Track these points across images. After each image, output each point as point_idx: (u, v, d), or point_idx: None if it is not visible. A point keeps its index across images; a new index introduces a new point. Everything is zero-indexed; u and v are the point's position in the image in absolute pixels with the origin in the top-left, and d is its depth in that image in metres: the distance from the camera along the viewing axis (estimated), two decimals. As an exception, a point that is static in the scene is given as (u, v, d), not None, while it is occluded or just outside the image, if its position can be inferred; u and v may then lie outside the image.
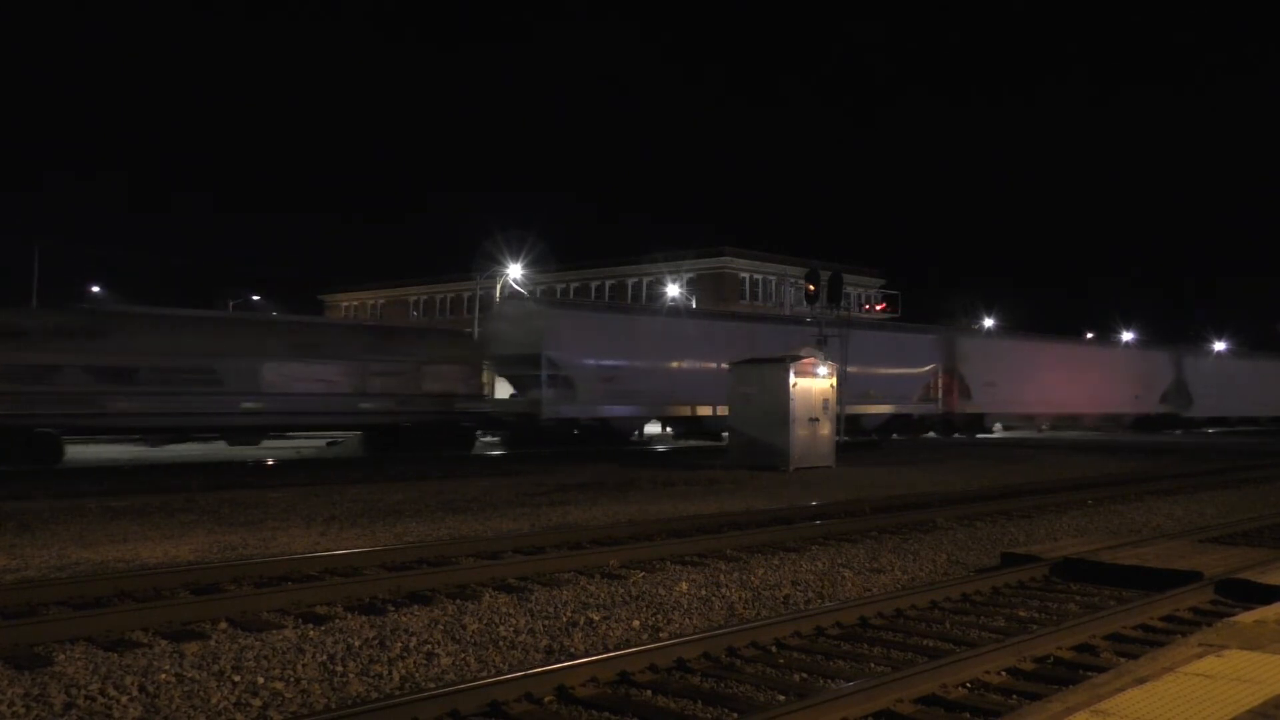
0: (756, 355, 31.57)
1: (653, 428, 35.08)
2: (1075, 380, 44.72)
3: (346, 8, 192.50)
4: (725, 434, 34.83)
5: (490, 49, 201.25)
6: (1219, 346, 60.25)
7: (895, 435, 37.04)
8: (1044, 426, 46.74)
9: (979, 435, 40.35)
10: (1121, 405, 48.66)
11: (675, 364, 31.47)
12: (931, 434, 39.42)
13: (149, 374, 23.04)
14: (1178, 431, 49.55)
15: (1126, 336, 61.33)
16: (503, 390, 31.47)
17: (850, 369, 33.23)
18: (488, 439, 31.16)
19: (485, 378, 30.04)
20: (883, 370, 35.91)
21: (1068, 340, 52.53)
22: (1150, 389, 50.09)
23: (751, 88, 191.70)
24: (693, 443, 32.80)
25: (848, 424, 35.95)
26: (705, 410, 31.81)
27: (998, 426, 44.84)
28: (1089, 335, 61.12)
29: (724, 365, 31.48)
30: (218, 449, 26.85)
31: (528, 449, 28.42)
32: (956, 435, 39.47)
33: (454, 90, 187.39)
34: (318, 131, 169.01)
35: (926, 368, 38.36)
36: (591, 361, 29.51)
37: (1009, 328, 59.39)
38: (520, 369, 29.27)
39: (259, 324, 26.69)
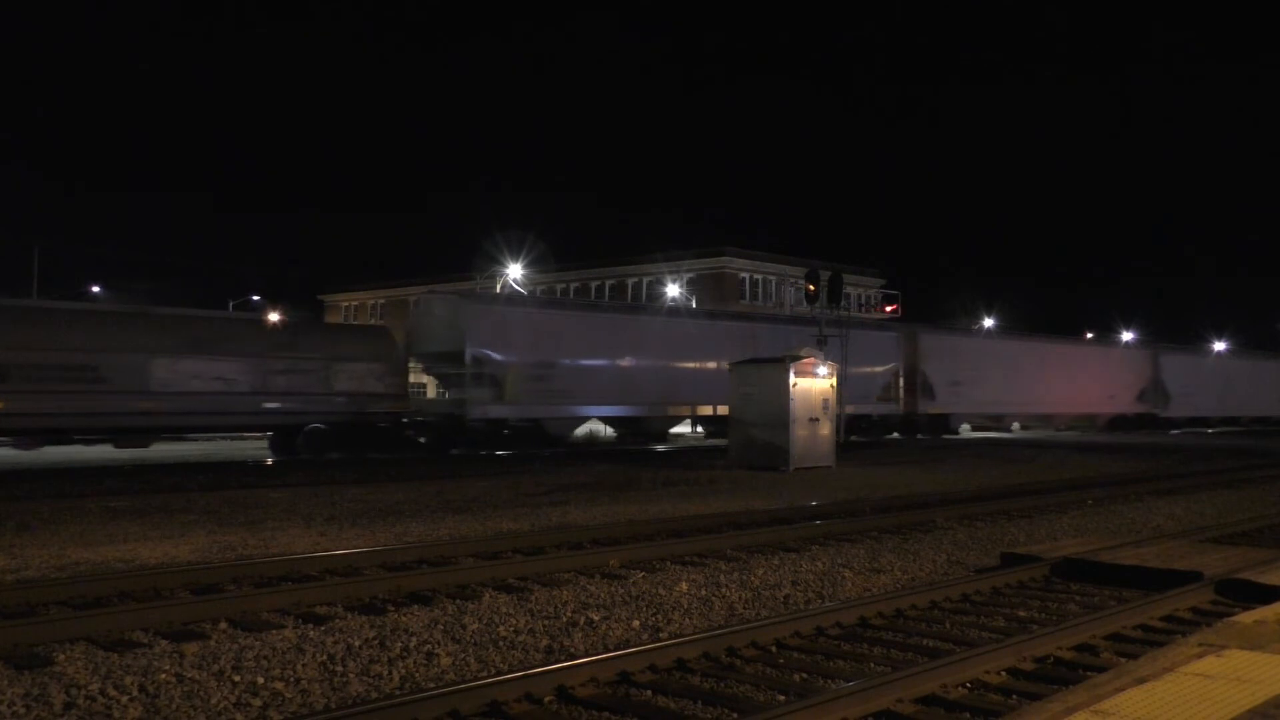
0: (713, 354, 30.45)
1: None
2: (1047, 379, 43.59)
3: (346, 6, 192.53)
4: (671, 433, 34.18)
5: (490, 49, 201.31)
6: (1219, 346, 59.89)
7: (854, 438, 35.25)
8: (1014, 427, 45.50)
9: (945, 436, 38.93)
10: (1096, 405, 47.50)
11: (618, 362, 30.34)
12: (896, 435, 38.23)
13: (19, 372, 21.78)
14: (1171, 431, 48.63)
15: (1126, 336, 60.80)
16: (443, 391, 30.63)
17: None
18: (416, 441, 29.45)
19: (422, 377, 29.01)
20: (852, 370, 34.27)
21: (1039, 338, 50.77)
22: (1126, 388, 48.94)
23: (752, 87, 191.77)
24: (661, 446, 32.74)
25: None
26: (653, 411, 31.12)
27: (965, 427, 43.58)
28: (1089, 335, 60.72)
29: (671, 364, 30.92)
30: (219, 449, 26.84)
31: (453, 451, 27.35)
32: (920, 437, 38.09)
33: (455, 90, 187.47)
34: (318, 131, 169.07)
35: (885, 366, 36.82)
36: (522, 359, 28.20)
37: (974, 324, 58.17)
38: (446, 367, 28.28)
39: (149, 318, 24.75)
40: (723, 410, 32.22)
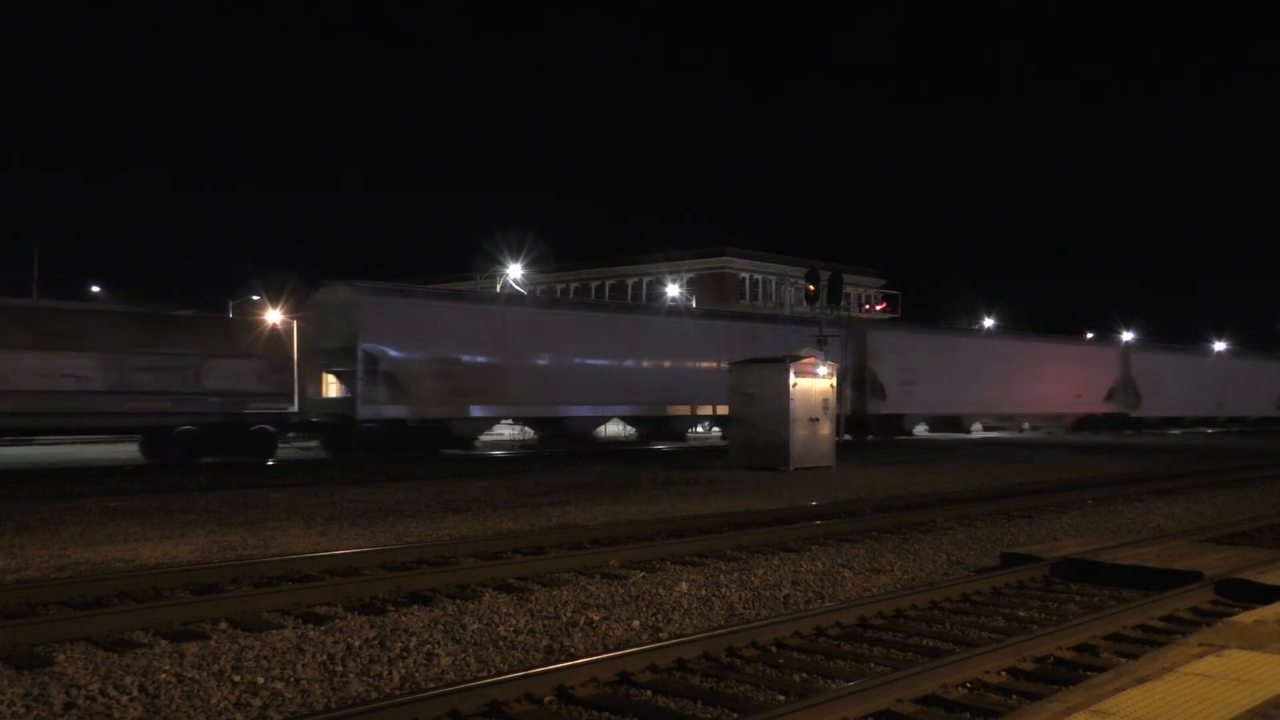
0: (642, 352, 29.95)
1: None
2: (1008, 378, 41.84)
3: (347, 7, 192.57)
4: (598, 433, 32.79)
5: (490, 50, 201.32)
6: (1220, 346, 59.66)
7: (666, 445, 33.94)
8: (974, 429, 43.68)
9: (898, 438, 37.17)
10: (1061, 404, 45.58)
11: (535, 360, 28.86)
12: (847, 437, 35.82)
13: None
14: (1127, 432, 47.10)
15: (1127, 336, 60.41)
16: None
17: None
18: (307, 445, 27.39)
19: (319, 375, 27.02)
20: None
21: (999, 335, 49.44)
22: (1093, 387, 47.01)
23: (752, 88, 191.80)
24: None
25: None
26: (575, 411, 29.65)
27: (921, 429, 41.95)
28: (1089, 334, 60.49)
29: (590, 362, 29.56)
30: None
31: (348, 454, 25.45)
32: (870, 438, 36.45)
33: (455, 90, 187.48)
34: (318, 131, 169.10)
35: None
36: (423, 355, 26.48)
37: (930, 321, 57.03)
38: (341, 364, 26.27)
39: None
40: (671, 411, 31.62)
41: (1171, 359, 52.82)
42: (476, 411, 27.72)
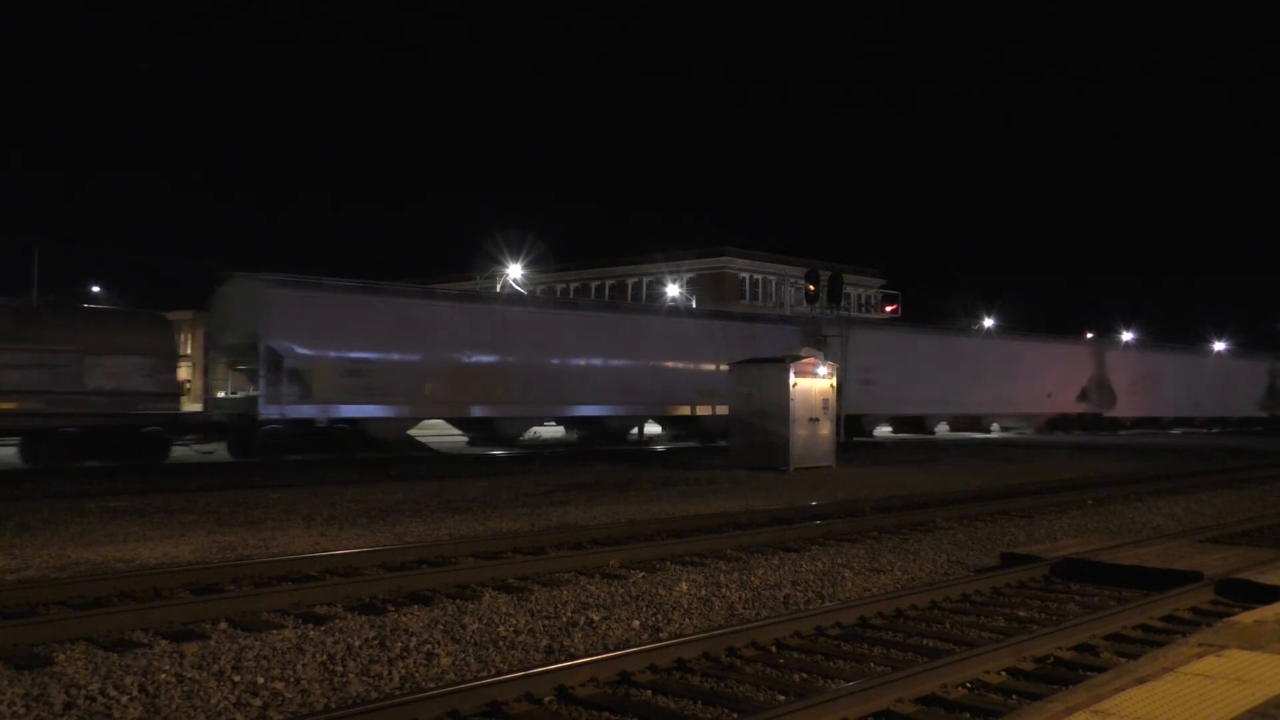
0: (583, 350, 28.79)
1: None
2: (975, 377, 39.67)
3: (347, 7, 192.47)
4: (530, 435, 30.96)
5: (490, 49, 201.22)
6: (1219, 346, 59.40)
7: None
8: (939, 429, 41.74)
9: (856, 439, 34.99)
10: (1032, 404, 43.83)
11: (458, 358, 27.22)
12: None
13: None
14: (1102, 433, 45.36)
15: (1126, 336, 60.26)
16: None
17: (677, 364, 30.66)
18: (206, 449, 25.01)
19: (221, 372, 25.68)
20: (724, 365, 31.23)
21: (964, 332, 47.18)
22: (1065, 386, 44.99)
23: (752, 88, 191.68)
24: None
25: (682, 427, 32.26)
26: (499, 411, 28.15)
27: (884, 430, 40.13)
28: (1089, 334, 60.30)
29: (518, 360, 27.73)
30: (216, 448, 26.35)
31: (252, 457, 23.87)
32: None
33: (455, 90, 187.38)
34: (318, 131, 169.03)
35: None
36: (333, 353, 24.74)
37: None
38: (244, 361, 24.56)
39: None
40: (608, 413, 29.88)
41: (1149, 358, 51.36)
42: (392, 412, 25.93)
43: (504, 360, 28.05)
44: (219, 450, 24.72)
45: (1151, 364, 50.27)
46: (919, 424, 40.21)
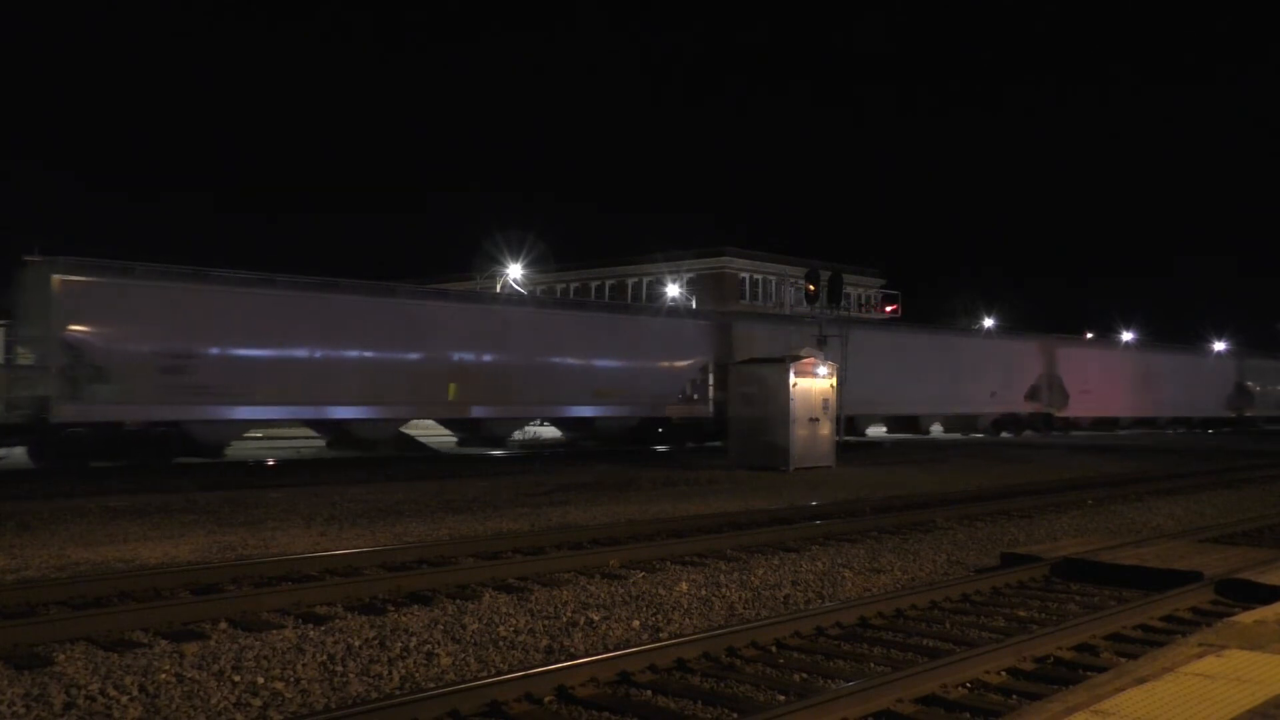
0: (450, 344, 26.07)
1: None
2: (909, 375, 36.54)
3: (346, 6, 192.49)
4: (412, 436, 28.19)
5: (490, 49, 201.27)
6: (1219, 346, 59.07)
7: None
8: (870, 431, 38.61)
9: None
10: (974, 404, 40.53)
11: (297, 353, 24.07)
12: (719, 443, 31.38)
13: None
14: (1054, 434, 43.28)
15: (1126, 336, 59.84)
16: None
17: (568, 360, 28.05)
18: None
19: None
20: (623, 363, 29.05)
21: (896, 327, 44.00)
22: (1012, 384, 41.84)
23: (752, 88, 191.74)
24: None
25: (578, 427, 30.04)
26: (354, 413, 25.03)
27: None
28: (1089, 334, 60.05)
29: (373, 355, 24.84)
30: (9, 454, 23.69)
31: (50, 464, 21.12)
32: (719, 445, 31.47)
33: (455, 90, 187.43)
34: (318, 131, 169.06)
35: (689, 361, 30.42)
36: (147, 347, 21.88)
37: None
38: (40, 354, 21.90)
39: None
40: (486, 414, 27.13)
41: (1105, 354, 48.66)
42: (222, 413, 22.98)
43: (362, 355, 24.93)
44: (14, 455, 22.43)
45: (1107, 361, 47.70)
46: (849, 426, 36.03)
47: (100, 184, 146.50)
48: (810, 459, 21.88)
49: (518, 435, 30.75)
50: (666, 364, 30.23)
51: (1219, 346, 58.54)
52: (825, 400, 22.36)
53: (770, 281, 74.40)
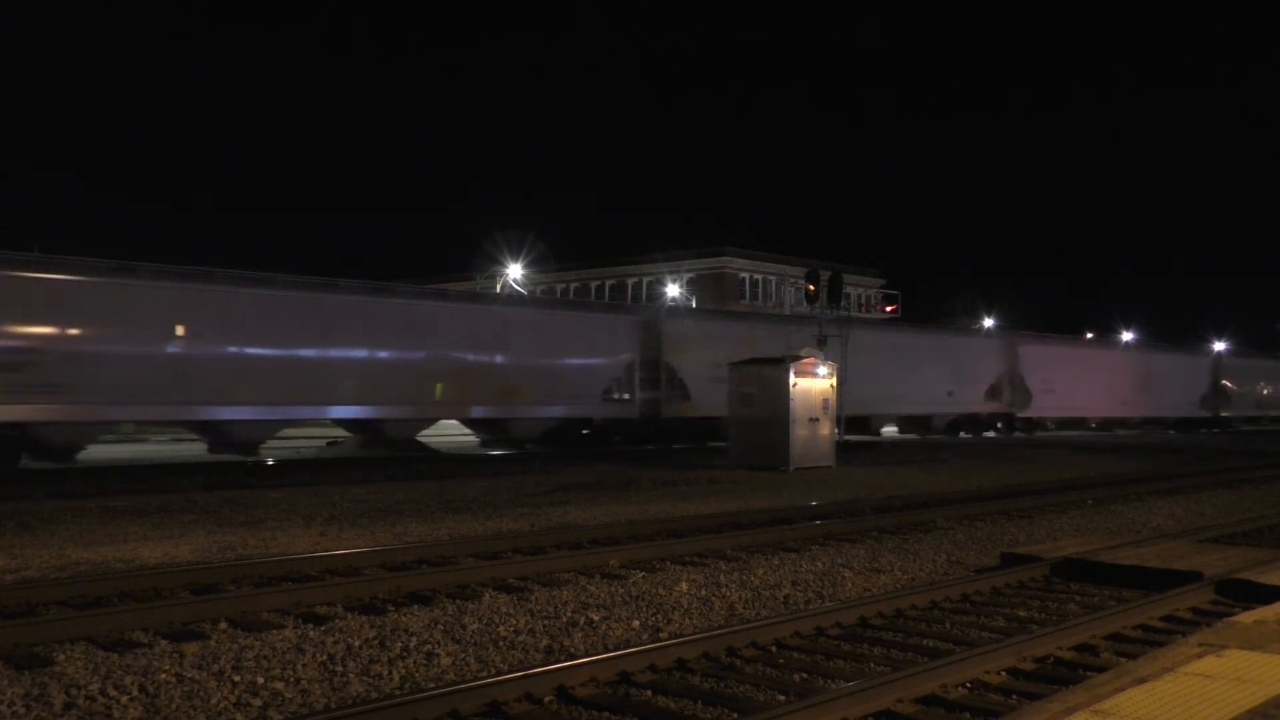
0: (323, 336, 23.90)
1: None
2: (858, 373, 33.40)
3: (346, 6, 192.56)
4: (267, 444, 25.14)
5: (490, 49, 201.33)
6: (1221, 344, 58.63)
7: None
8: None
9: (711, 444, 30.34)
10: (929, 404, 38.31)
11: (168, 348, 21.90)
12: (650, 446, 30.06)
13: None
14: (1017, 434, 41.50)
15: (1126, 336, 59.42)
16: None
17: (467, 356, 26.19)
18: None
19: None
20: (535, 361, 27.31)
21: (841, 322, 40.39)
22: (970, 383, 39.46)
23: (752, 88, 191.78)
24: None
25: (490, 429, 28.33)
26: (232, 414, 22.95)
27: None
28: (1089, 335, 59.73)
29: (254, 351, 22.93)
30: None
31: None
32: (677, 447, 30.13)
33: (455, 90, 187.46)
34: (318, 131, 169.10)
35: (614, 359, 28.75)
36: None
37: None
38: None
39: None
40: (388, 414, 25.17)
41: (1071, 352, 46.20)
42: (78, 414, 20.85)
43: (242, 351, 22.95)
44: None
45: (1074, 359, 45.38)
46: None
47: (100, 184, 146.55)
48: (810, 459, 21.89)
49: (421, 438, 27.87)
50: (588, 362, 28.56)
51: (1203, 345, 56.83)
52: (825, 400, 22.37)
53: (770, 281, 74.43)
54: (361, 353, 24.71)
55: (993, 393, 40.72)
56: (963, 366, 39.56)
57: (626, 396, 29.12)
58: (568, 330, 28.60)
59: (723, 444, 31.64)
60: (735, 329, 33.06)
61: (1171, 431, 49.78)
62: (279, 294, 23.94)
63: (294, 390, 23.50)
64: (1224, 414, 54.39)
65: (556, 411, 28.00)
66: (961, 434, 39.68)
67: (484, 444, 29.01)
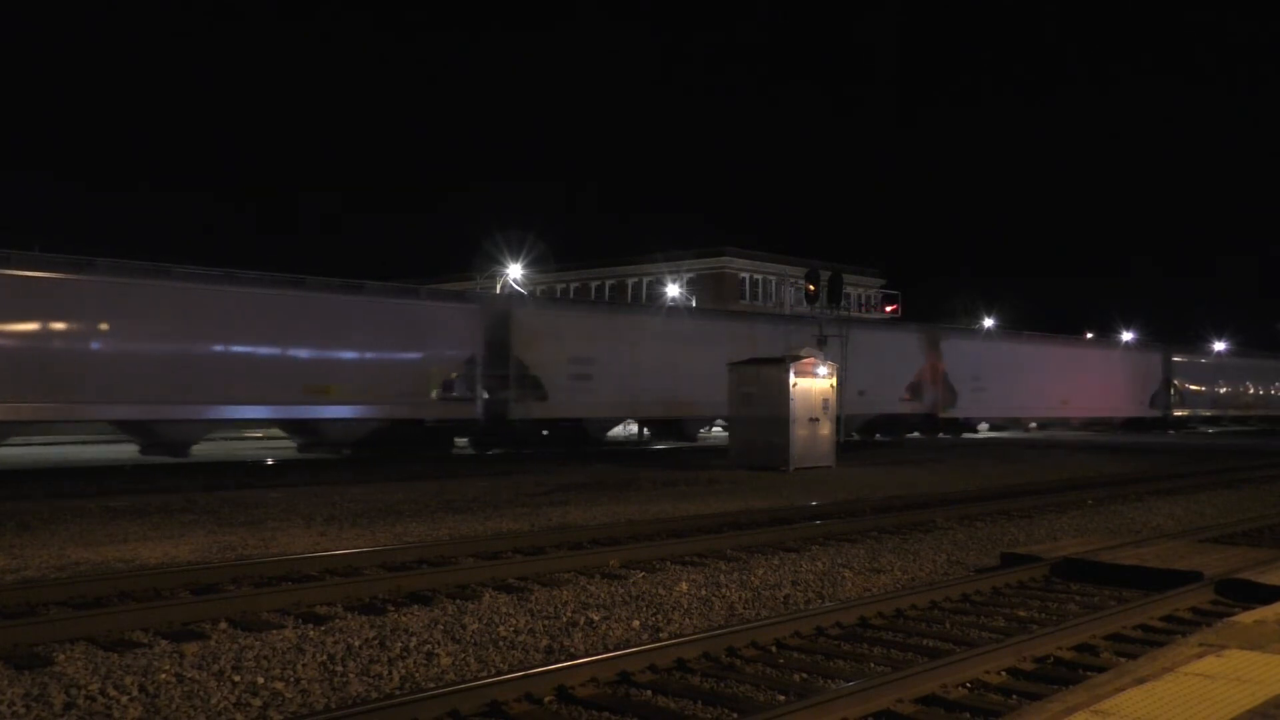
0: (70, 324, 20.53)
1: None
2: (678, 368, 30.61)
3: (346, 6, 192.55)
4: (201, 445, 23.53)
5: (490, 49, 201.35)
6: (1221, 344, 58.14)
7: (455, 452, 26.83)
8: (704, 432, 33.93)
9: (588, 449, 28.37)
10: (843, 404, 33.94)
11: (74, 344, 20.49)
12: (499, 449, 27.94)
13: None
14: (942, 436, 38.47)
15: (1126, 336, 58.81)
16: None
17: (259, 349, 22.87)
18: None
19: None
20: (349, 355, 24.23)
21: (730, 315, 38.48)
22: (887, 382, 35.99)
23: (752, 87, 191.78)
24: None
25: (302, 432, 24.77)
26: (170, 414, 21.44)
27: (621, 430, 32.97)
28: (1089, 334, 59.31)
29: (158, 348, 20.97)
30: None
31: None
32: (529, 450, 27.72)
33: (455, 89, 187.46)
34: (318, 131, 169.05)
35: (452, 354, 25.88)
36: None
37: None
38: None
39: None
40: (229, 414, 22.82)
41: (1003, 347, 42.66)
42: None
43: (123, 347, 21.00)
44: None
45: (1007, 355, 41.87)
46: (676, 429, 32.18)
47: (100, 184, 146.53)
48: (810, 459, 21.90)
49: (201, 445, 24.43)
50: (418, 356, 25.37)
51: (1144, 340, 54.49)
52: (825, 400, 22.38)
53: (770, 281, 74.43)
54: (127, 345, 21.30)
55: (915, 392, 37.38)
56: (877, 364, 35.01)
57: (468, 395, 26.09)
58: (392, 320, 25.04)
59: (604, 445, 30.03)
60: (603, 320, 30.62)
61: (1110, 432, 47.32)
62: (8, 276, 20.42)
63: (43, 389, 20.29)
64: (1177, 414, 51.55)
65: (376, 411, 24.54)
66: (878, 436, 36.69)
67: (301, 449, 25.49)
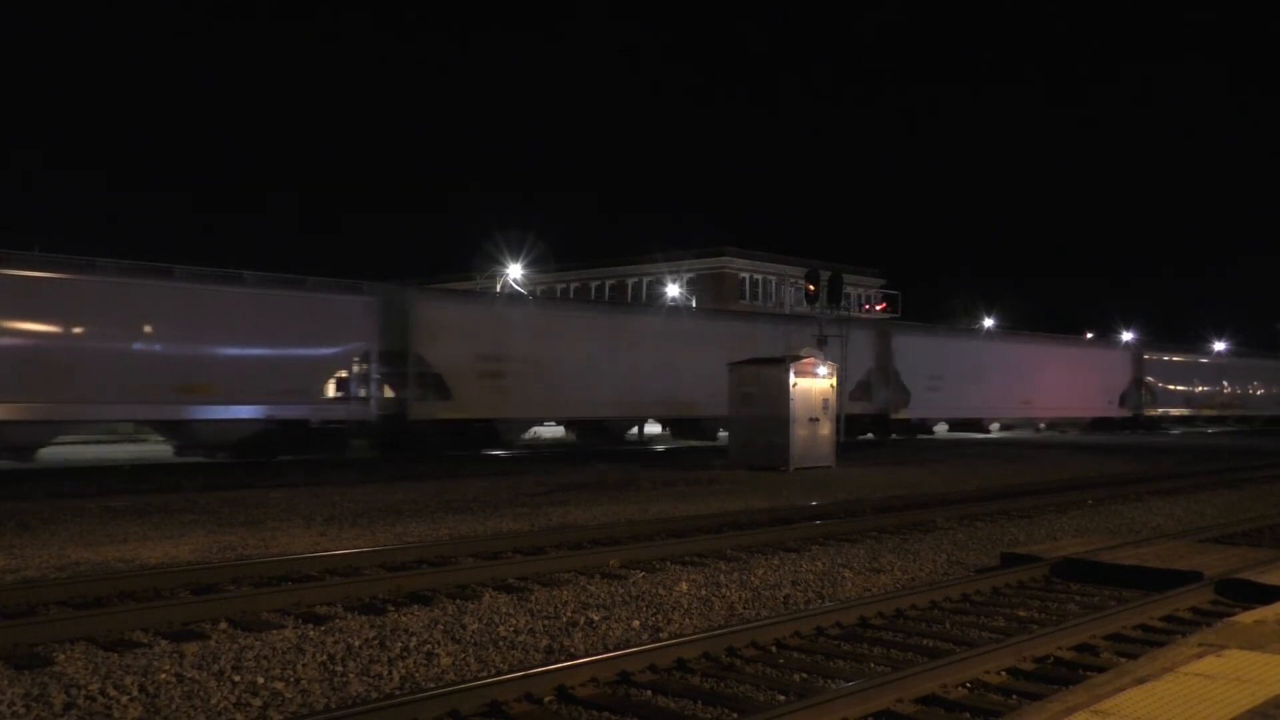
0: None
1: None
2: (685, 368, 29.25)
3: (347, 6, 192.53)
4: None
5: (490, 49, 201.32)
6: (1220, 344, 57.99)
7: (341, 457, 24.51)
8: (635, 433, 32.98)
9: (486, 452, 26.97)
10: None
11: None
12: (410, 452, 25.50)
13: None
14: (893, 436, 36.61)
15: (1127, 336, 58.56)
16: None
17: (167, 347, 21.56)
18: None
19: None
20: (237, 350, 22.63)
21: (669, 312, 36.37)
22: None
23: (752, 87, 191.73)
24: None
25: (175, 433, 22.77)
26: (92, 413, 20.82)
27: (538, 432, 31.65)
28: (1080, 334, 58.98)
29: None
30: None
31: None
32: (444, 454, 25.63)
33: (455, 90, 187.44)
34: (318, 131, 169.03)
35: (341, 349, 24.02)
36: None
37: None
38: None
39: None
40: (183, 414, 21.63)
41: (961, 345, 40.62)
42: None
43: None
44: None
45: (964, 352, 39.83)
46: (599, 429, 30.67)
47: (100, 184, 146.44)
48: (810, 459, 21.89)
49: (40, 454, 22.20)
50: (302, 352, 23.51)
51: (1121, 336, 52.43)
52: (825, 400, 22.37)
53: (770, 281, 74.40)
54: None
55: (864, 392, 35.30)
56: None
57: (361, 394, 24.24)
58: (277, 313, 23.28)
59: (528, 448, 28.97)
60: (516, 314, 28.82)
61: (1076, 431, 45.64)
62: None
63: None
64: (1148, 413, 49.60)
65: (253, 412, 22.69)
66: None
67: (178, 452, 23.52)
